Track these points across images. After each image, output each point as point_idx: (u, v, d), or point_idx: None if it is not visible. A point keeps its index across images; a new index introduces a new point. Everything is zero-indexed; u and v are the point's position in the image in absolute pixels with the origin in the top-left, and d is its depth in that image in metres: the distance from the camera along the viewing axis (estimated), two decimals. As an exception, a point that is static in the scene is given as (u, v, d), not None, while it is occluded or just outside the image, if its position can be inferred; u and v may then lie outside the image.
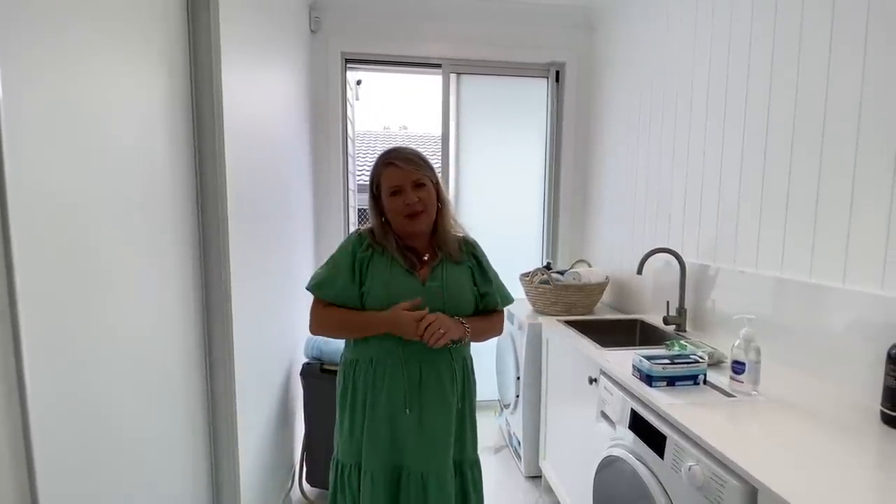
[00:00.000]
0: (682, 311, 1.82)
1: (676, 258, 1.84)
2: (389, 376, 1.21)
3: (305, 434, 2.05)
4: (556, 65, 2.76)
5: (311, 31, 2.52)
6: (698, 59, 1.82)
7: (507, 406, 2.43)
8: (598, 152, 2.68)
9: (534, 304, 2.31)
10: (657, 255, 1.85)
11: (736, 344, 1.20)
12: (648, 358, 1.26)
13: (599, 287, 2.22)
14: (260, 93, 1.60)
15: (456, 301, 1.24)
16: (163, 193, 1.02)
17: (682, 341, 1.51)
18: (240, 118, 1.35)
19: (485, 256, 1.36)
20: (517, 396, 2.24)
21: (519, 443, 2.28)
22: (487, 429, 2.69)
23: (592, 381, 1.53)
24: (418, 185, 1.21)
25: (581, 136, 2.79)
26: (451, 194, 2.83)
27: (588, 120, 2.77)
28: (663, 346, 1.51)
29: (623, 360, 1.41)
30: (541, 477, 2.18)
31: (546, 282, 2.21)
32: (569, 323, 1.98)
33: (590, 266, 2.46)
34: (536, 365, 2.14)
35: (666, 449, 1.08)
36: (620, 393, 1.32)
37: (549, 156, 2.85)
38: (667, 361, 1.25)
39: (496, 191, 2.88)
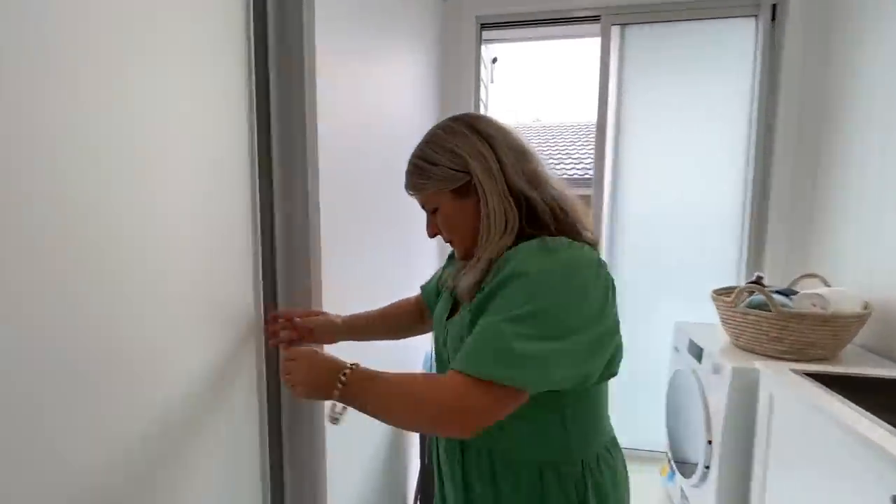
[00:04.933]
0: None
1: None
2: (438, 488, 0.89)
3: (420, 469, 1.70)
4: (770, -3, 1.96)
5: (443, -3, 2.15)
6: None
7: (685, 473, 1.76)
8: (842, 120, 1.81)
9: (734, 337, 1.61)
10: None
11: None
12: None
13: (858, 320, 1.43)
14: (374, 82, 1.28)
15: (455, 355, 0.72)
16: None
17: None
18: (342, 119, 1.05)
19: (504, 283, 0.68)
20: (706, 468, 1.57)
21: (706, 532, 1.60)
22: (646, 490, 2.04)
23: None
24: (433, 210, 0.84)
25: (811, 100, 1.93)
26: (606, 183, 2.22)
27: (824, 77, 1.89)
28: None
29: None
30: None
31: (762, 305, 1.49)
32: (816, 377, 1.25)
33: (827, 284, 1.65)
34: (745, 430, 1.44)
35: None
36: None
37: (756, 128, 2.05)
38: None
39: (672, 178, 2.18)
